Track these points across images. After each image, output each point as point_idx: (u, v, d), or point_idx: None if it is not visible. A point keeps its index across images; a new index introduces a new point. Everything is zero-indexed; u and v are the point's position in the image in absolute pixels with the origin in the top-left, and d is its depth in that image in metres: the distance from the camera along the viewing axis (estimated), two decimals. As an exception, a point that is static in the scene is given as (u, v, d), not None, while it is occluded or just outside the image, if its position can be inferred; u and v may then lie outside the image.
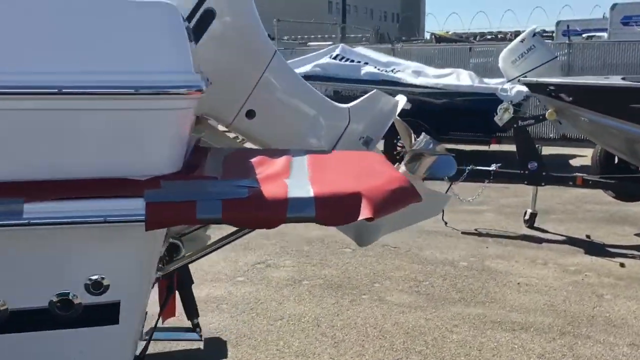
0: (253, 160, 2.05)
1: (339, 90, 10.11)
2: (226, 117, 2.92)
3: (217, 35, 2.72)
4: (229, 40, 2.77)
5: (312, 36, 25.46)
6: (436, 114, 9.92)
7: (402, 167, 3.07)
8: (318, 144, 2.94)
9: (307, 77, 10.10)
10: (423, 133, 3.05)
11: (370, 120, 3.02)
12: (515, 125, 6.41)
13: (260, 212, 1.64)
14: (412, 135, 3.09)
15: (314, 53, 10.95)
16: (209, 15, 2.74)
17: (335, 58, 10.42)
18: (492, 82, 10.26)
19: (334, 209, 1.66)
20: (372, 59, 10.53)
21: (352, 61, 10.39)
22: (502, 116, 6.36)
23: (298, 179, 1.79)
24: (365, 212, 1.62)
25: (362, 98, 3.05)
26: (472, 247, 5.93)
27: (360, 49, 11.44)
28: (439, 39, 23.41)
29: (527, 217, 6.60)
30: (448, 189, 6.63)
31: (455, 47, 15.13)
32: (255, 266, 5.35)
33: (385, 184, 1.78)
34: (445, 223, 6.59)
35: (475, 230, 6.55)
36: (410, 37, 32.69)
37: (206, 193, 1.67)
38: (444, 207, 3.34)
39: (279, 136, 2.91)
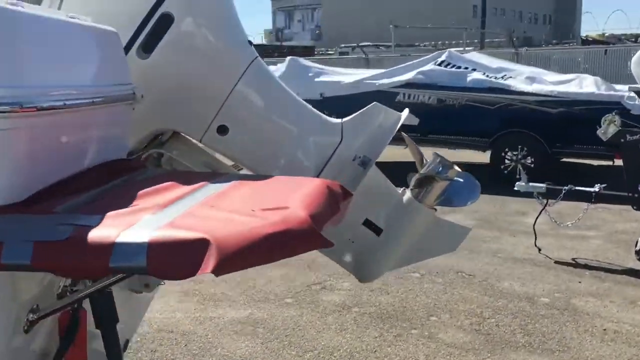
0: (152, 187, 1.72)
1: (443, 98, 9.50)
2: (195, 133, 2.60)
3: (177, 42, 2.43)
4: (192, 47, 2.47)
5: (454, 42, 24.61)
6: (551, 124, 9.00)
7: (407, 194, 2.61)
8: (306, 164, 2.56)
9: (409, 84, 9.64)
10: (434, 153, 2.57)
11: (368, 137, 2.58)
12: (622, 140, 5.49)
13: (76, 260, 1.33)
14: (423, 156, 2.63)
15: (418, 60, 10.41)
16: (166, 21, 2.44)
17: (440, 64, 9.82)
18: (623, 90, 9.10)
19: (167, 260, 1.30)
20: (482, 65, 9.79)
21: (459, 67, 9.72)
22: (607, 129, 5.46)
23: (161, 217, 1.45)
24: (205, 266, 1.25)
25: (358, 112, 2.63)
26: (562, 280, 5.16)
27: (472, 55, 10.71)
28: (586, 40, 21.61)
29: (638, 247, 5.64)
30: (541, 211, 5.90)
31: (589, 50, 13.77)
32: (310, 287, 5.02)
33: (265, 227, 1.38)
34: (539, 249, 5.83)
35: (573, 259, 5.72)
36: (562, 40, 30.78)
37: (19, 232, 1.38)
38: (463, 241, 2.80)
39: (257, 155, 2.57)
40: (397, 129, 2.58)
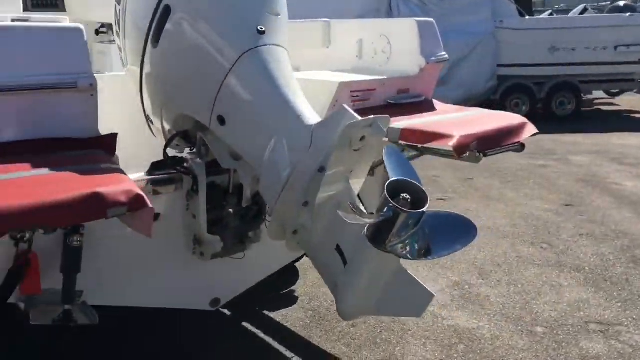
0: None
1: None
2: (204, 122, 2.63)
3: (175, 31, 2.52)
4: (187, 37, 2.52)
5: None
6: None
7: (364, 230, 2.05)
8: (279, 170, 2.29)
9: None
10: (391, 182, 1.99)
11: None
12: None
13: None
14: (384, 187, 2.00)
15: None
16: (167, 11, 2.54)
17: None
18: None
19: None
20: None
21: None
22: None
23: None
24: None
25: (329, 115, 2.29)
26: None
27: None
28: None
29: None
30: None
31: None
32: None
33: None
34: None
35: None
36: None
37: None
38: (425, 308, 2.50)
39: (248, 152, 2.54)
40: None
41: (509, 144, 3.04)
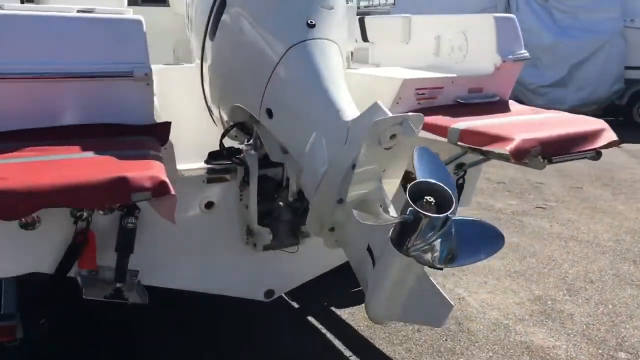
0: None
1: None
2: (255, 114, 2.67)
3: (228, 24, 2.57)
4: (238, 30, 2.56)
5: None
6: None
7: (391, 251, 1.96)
8: (317, 166, 2.25)
9: None
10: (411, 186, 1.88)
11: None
12: None
13: None
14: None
15: None
16: (222, 5, 2.60)
17: None
18: None
19: None
20: None
21: None
22: None
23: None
24: None
25: (364, 111, 2.17)
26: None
27: None
28: None
29: None
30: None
31: None
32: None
33: None
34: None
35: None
36: None
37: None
38: (446, 319, 2.30)
39: (293, 145, 2.52)
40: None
41: (581, 151, 2.79)
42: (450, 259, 1.94)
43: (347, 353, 3.90)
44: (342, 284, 4.30)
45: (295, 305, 4.47)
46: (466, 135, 2.79)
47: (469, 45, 3.52)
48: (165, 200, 2.04)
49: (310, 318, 4.33)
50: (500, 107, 3.32)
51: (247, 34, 2.60)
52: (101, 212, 2.70)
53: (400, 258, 1.97)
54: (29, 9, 2.48)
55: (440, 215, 1.85)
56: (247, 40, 2.59)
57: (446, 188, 1.91)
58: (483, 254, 1.97)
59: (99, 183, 1.96)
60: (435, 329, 4.13)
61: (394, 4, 14.26)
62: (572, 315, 4.40)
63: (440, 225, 1.86)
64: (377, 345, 3.98)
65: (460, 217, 1.92)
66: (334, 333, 4.13)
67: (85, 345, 3.84)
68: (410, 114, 2.04)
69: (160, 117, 2.82)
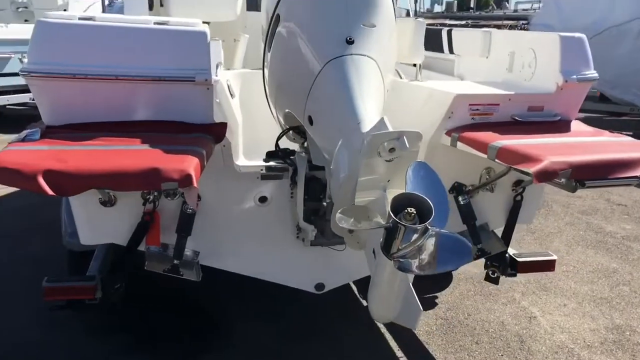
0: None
1: None
2: (300, 120, 2.92)
3: (281, 37, 2.91)
4: (290, 42, 2.86)
5: None
6: None
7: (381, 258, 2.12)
8: (342, 174, 2.43)
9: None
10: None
11: None
12: None
13: None
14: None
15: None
16: (277, 20, 2.88)
17: None
18: None
19: None
20: None
21: None
22: None
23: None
24: None
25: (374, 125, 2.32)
26: None
27: None
28: None
29: None
30: None
31: None
32: None
33: None
34: None
35: None
36: None
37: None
38: (417, 322, 2.51)
39: (327, 152, 2.73)
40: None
41: (620, 177, 2.71)
42: (428, 266, 2.08)
43: (399, 354, 4.03)
44: (416, 289, 4.43)
45: (364, 303, 4.66)
46: (503, 153, 2.83)
47: (537, 63, 3.50)
48: (189, 191, 2.38)
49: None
50: (558, 127, 3.27)
51: (296, 47, 2.86)
52: (169, 197, 3.13)
53: (386, 262, 2.15)
54: (115, 20, 2.91)
55: (414, 226, 2.00)
56: (296, 52, 2.86)
57: (427, 200, 2.06)
58: (450, 265, 2.11)
59: (136, 172, 2.34)
60: (495, 343, 4.14)
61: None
62: (649, 349, 4.16)
63: (420, 234, 2.02)
64: (430, 352, 4.07)
65: (438, 230, 2.06)
66: (391, 333, 4.25)
67: (163, 316, 4.35)
68: (408, 130, 2.19)
69: (226, 117, 3.19)
